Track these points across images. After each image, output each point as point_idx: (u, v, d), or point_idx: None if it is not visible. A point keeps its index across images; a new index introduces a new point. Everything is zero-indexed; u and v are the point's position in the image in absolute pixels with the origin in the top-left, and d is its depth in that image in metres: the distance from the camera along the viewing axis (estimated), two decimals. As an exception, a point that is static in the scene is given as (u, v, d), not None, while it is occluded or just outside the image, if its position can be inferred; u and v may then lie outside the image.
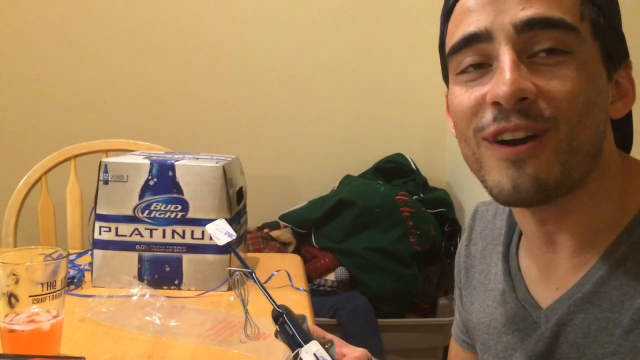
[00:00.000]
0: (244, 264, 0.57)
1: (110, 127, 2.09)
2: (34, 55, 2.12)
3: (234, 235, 0.60)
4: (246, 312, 0.57)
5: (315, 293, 1.80)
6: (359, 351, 0.59)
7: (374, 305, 1.80)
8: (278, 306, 0.56)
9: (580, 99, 0.53)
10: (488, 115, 0.55)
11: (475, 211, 0.79)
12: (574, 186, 0.56)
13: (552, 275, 0.62)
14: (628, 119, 0.62)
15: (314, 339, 0.54)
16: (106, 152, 1.54)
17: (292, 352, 0.54)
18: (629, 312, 0.54)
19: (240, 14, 2.18)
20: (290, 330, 0.55)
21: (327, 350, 0.53)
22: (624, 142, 0.64)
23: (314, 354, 0.53)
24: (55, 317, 0.75)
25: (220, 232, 0.61)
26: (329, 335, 0.61)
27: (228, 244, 0.60)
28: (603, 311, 0.56)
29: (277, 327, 0.56)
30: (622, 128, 0.62)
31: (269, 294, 0.57)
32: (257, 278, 0.57)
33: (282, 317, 0.56)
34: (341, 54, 2.22)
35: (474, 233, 0.77)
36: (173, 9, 2.15)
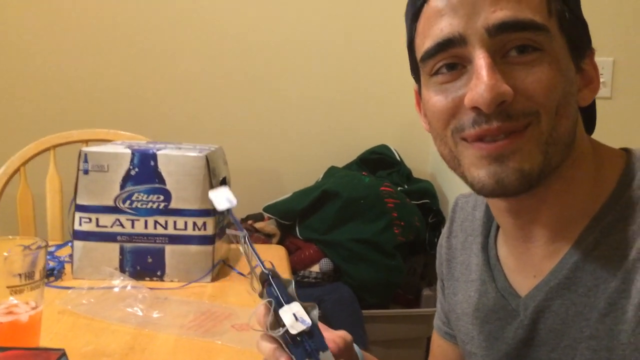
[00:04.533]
0: (238, 226, 0.58)
1: (90, 117, 2.06)
2: (11, 44, 2.07)
3: (235, 202, 0.60)
4: (252, 268, 0.57)
5: (300, 285, 1.79)
6: (340, 332, 0.60)
7: (358, 296, 1.80)
8: (265, 268, 0.57)
9: (556, 92, 0.55)
10: (467, 117, 0.56)
11: (455, 203, 0.79)
12: (550, 174, 0.57)
13: (529, 263, 0.63)
14: (592, 103, 0.63)
15: (297, 301, 0.54)
16: (86, 142, 1.52)
17: (274, 311, 0.54)
18: (604, 296, 0.55)
19: (224, 5, 2.15)
20: (275, 291, 0.54)
21: (308, 312, 0.53)
22: (588, 126, 0.65)
23: (293, 314, 0.53)
24: (33, 308, 0.73)
25: (222, 198, 0.60)
26: (339, 333, 0.61)
27: (228, 210, 0.60)
28: (579, 296, 0.57)
29: (263, 288, 0.56)
30: (587, 113, 0.64)
31: (258, 256, 0.57)
32: (249, 240, 0.58)
33: (268, 278, 0.56)
34: (325, 46, 2.20)
35: (455, 225, 0.78)
36: (155, -3, 2.12)
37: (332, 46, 2.21)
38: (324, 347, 0.53)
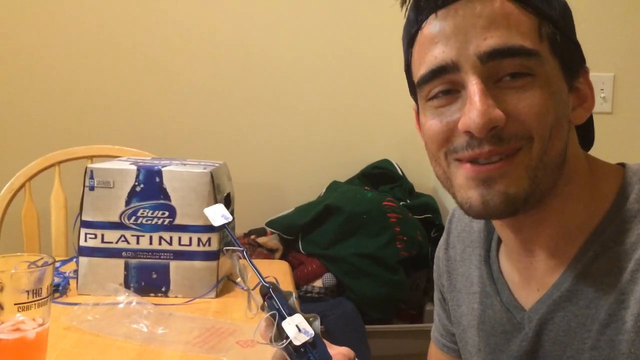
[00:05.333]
0: (236, 242, 0.59)
1: (95, 133, 2.07)
2: (17, 61, 2.09)
3: (230, 218, 0.62)
4: (248, 289, 0.59)
5: (303, 300, 1.79)
6: (343, 348, 0.60)
7: (361, 311, 1.80)
8: (265, 281, 0.58)
9: (549, 116, 0.56)
10: (461, 141, 0.58)
11: (452, 215, 0.81)
12: (542, 197, 0.58)
13: (532, 277, 0.65)
14: (589, 120, 0.65)
15: (298, 312, 0.55)
16: (91, 158, 1.53)
17: (276, 323, 0.55)
18: (605, 308, 0.57)
19: (228, 20, 2.17)
20: (277, 304, 0.55)
21: (310, 323, 0.54)
22: (586, 142, 0.66)
23: (296, 325, 0.54)
24: (40, 325, 0.73)
25: (217, 214, 0.62)
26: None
27: (223, 225, 0.61)
28: (581, 308, 0.59)
29: (264, 301, 0.57)
30: (584, 130, 0.65)
31: (257, 270, 0.58)
32: (248, 256, 0.60)
33: (268, 292, 0.57)
34: (327, 61, 2.22)
35: (452, 236, 0.79)
36: (160, 13, 2.14)
37: (334, 61, 2.23)
38: (328, 357, 0.55)
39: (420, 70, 0.60)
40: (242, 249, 0.60)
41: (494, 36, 0.55)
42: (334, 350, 0.60)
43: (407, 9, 0.63)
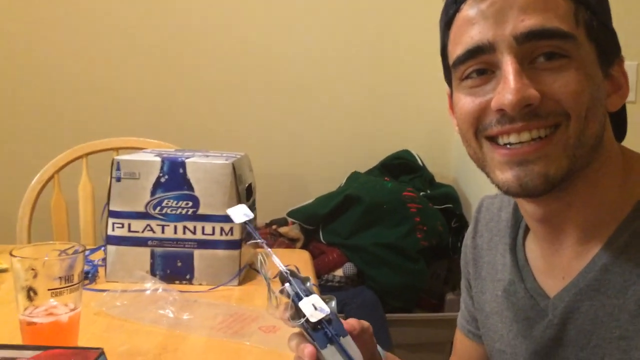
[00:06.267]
0: (256, 235, 0.62)
1: (120, 125, 2.12)
2: (48, 56, 2.14)
3: (251, 215, 0.66)
4: (268, 284, 0.62)
5: (324, 289, 1.81)
6: (352, 319, 0.63)
7: (382, 300, 1.82)
8: (283, 267, 0.61)
9: (584, 96, 0.56)
10: (491, 118, 0.59)
11: (480, 204, 0.81)
12: (574, 177, 0.59)
13: (558, 265, 0.65)
14: (622, 110, 0.65)
15: (314, 294, 0.57)
16: (117, 149, 1.56)
17: (294, 304, 0.57)
18: (634, 298, 0.57)
19: (249, 12, 2.19)
20: (295, 286, 0.58)
21: (326, 303, 0.57)
22: (618, 132, 0.66)
23: (312, 304, 0.56)
24: (72, 310, 0.77)
25: (239, 213, 0.65)
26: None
27: (245, 222, 0.65)
28: (609, 297, 0.59)
29: (282, 285, 0.60)
30: (617, 119, 0.65)
31: (276, 258, 0.61)
32: (267, 246, 0.63)
33: (287, 276, 0.60)
34: (348, 51, 2.23)
35: (480, 225, 0.79)
36: (182, 7, 2.17)
37: (355, 54, 2.23)
38: (344, 333, 0.57)
39: (456, 51, 0.61)
40: (262, 240, 0.63)
41: (532, 18, 0.56)
42: (345, 321, 0.62)
43: None
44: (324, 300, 0.57)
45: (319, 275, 1.84)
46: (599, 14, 0.59)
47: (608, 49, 0.60)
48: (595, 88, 0.58)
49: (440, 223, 1.96)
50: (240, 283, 1.12)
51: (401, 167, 2.19)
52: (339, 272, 1.87)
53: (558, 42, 0.56)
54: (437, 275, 2.01)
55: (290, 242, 1.95)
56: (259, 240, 0.63)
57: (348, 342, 0.56)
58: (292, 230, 1.98)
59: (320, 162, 2.27)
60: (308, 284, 0.60)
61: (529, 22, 0.56)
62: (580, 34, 0.57)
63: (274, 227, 2.01)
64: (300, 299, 0.57)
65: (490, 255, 0.76)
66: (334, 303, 0.58)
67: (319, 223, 1.98)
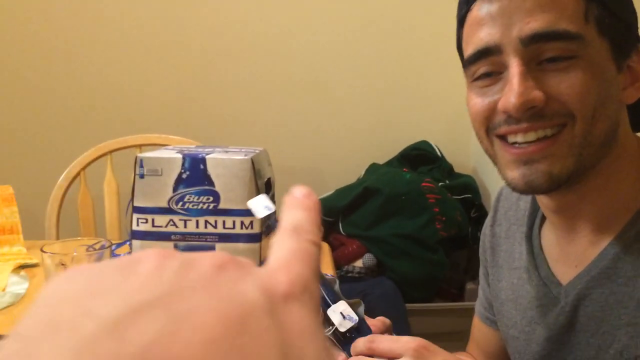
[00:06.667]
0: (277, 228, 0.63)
1: (143, 123, 2.16)
2: (73, 57, 2.19)
3: (273, 208, 0.64)
4: None
5: (344, 280, 1.84)
6: (378, 318, 0.64)
7: (402, 290, 1.83)
8: None
9: (591, 97, 0.57)
10: (499, 118, 0.61)
11: (499, 193, 0.83)
12: (585, 173, 0.60)
13: (572, 253, 0.67)
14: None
15: (342, 299, 0.57)
16: (140, 146, 1.60)
17: (322, 311, 0.56)
18: None
19: (268, 8, 2.21)
20: (322, 292, 0.57)
21: (354, 309, 0.56)
22: (637, 123, 0.67)
23: (341, 313, 0.55)
24: (101, 302, 0.80)
25: (260, 206, 0.63)
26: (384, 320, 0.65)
27: (268, 215, 0.64)
28: (619, 285, 0.60)
29: None
30: (636, 110, 0.65)
31: None
32: None
33: None
34: (364, 43, 2.23)
35: (499, 214, 0.81)
36: (202, 4, 2.20)
37: (372, 45, 2.24)
38: None
39: (467, 50, 0.63)
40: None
41: (538, 20, 0.56)
42: (370, 322, 0.64)
43: None
44: (351, 305, 0.56)
45: (338, 266, 1.86)
46: (611, 7, 0.59)
47: (623, 42, 0.60)
48: (606, 86, 0.58)
49: (459, 213, 1.96)
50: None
51: (420, 158, 2.19)
52: (359, 263, 1.89)
53: (564, 44, 0.57)
54: (457, 265, 2.02)
55: (311, 234, 1.98)
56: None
57: None
58: (312, 222, 2.01)
59: (338, 154, 2.28)
60: (335, 287, 0.59)
61: (535, 24, 0.57)
62: (590, 32, 0.57)
63: (294, 219, 2.04)
64: (327, 305, 0.56)
65: (507, 244, 0.78)
66: (361, 308, 0.58)
67: (339, 215, 2.00)
